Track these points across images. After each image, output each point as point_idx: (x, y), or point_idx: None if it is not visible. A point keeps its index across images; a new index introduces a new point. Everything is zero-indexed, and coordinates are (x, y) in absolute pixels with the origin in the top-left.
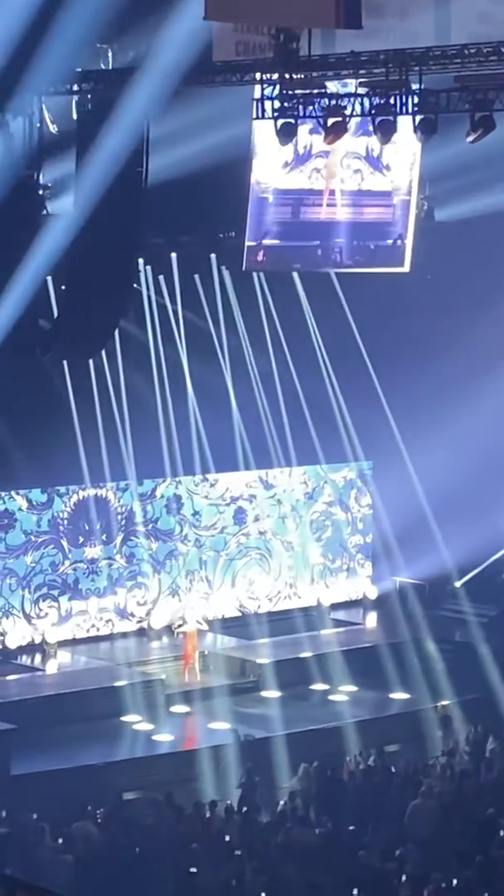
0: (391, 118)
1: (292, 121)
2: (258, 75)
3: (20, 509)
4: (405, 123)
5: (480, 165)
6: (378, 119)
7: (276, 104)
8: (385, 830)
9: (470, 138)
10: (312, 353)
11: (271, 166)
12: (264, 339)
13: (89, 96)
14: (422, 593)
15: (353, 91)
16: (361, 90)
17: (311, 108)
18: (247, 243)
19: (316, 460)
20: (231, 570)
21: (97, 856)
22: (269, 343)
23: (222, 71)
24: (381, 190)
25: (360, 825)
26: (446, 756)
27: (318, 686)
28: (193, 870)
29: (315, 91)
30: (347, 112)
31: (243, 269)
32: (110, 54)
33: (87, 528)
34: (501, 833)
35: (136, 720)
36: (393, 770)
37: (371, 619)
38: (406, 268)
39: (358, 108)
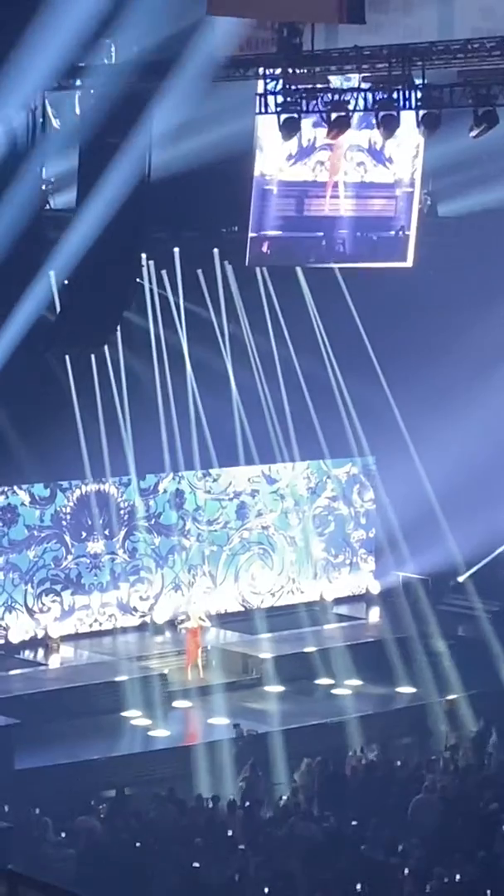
0: (394, 113)
1: (295, 116)
2: (261, 70)
3: (23, 504)
4: (408, 117)
5: (483, 160)
6: (381, 114)
7: (280, 99)
8: (388, 825)
9: (473, 133)
10: (316, 349)
11: (275, 159)
12: (267, 333)
13: (92, 91)
14: (425, 588)
15: (356, 86)
16: (364, 85)
17: (314, 102)
18: (250, 234)
19: (319, 455)
20: (234, 565)
21: (100, 850)
22: (272, 338)
23: (226, 66)
24: (383, 182)
25: (363, 820)
26: (449, 751)
27: (321, 681)
28: (196, 864)
29: (318, 86)
30: (350, 107)
31: (246, 264)
32: (113, 49)
33: (89, 522)
34: None
35: (138, 715)
36: (396, 764)
37: (374, 614)
38: (409, 263)
39: (361, 103)
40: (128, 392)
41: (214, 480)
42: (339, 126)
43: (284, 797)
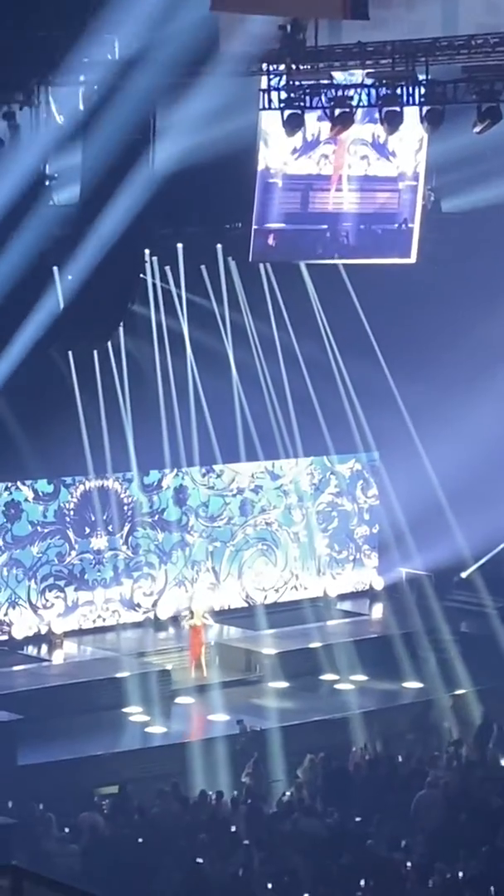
0: (398, 109)
1: (299, 111)
2: (265, 66)
3: (26, 500)
4: (411, 112)
5: (487, 156)
6: (385, 110)
7: (283, 95)
8: (391, 821)
9: (477, 129)
10: (320, 344)
11: (280, 152)
12: (271, 329)
13: (96, 87)
14: (428, 584)
15: (359, 82)
16: (368, 81)
17: (317, 98)
18: (254, 227)
19: (323, 451)
20: (237, 561)
21: (104, 846)
22: (275, 333)
23: (229, 61)
24: (387, 175)
25: (367, 816)
26: (453, 746)
27: (325, 677)
28: (200, 860)
29: (322, 82)
30: (354, 103)
31: (250, 259)
32: (117, 45)
33: (93, 518)
34: None
35: (142, 711)
36: (399, 760)
37: (377, 610)
38: (413, 258)
39: (364, 99)
40: (131, 388)
41: (218, 476)
42: (342, 122)
43: (288, 793)
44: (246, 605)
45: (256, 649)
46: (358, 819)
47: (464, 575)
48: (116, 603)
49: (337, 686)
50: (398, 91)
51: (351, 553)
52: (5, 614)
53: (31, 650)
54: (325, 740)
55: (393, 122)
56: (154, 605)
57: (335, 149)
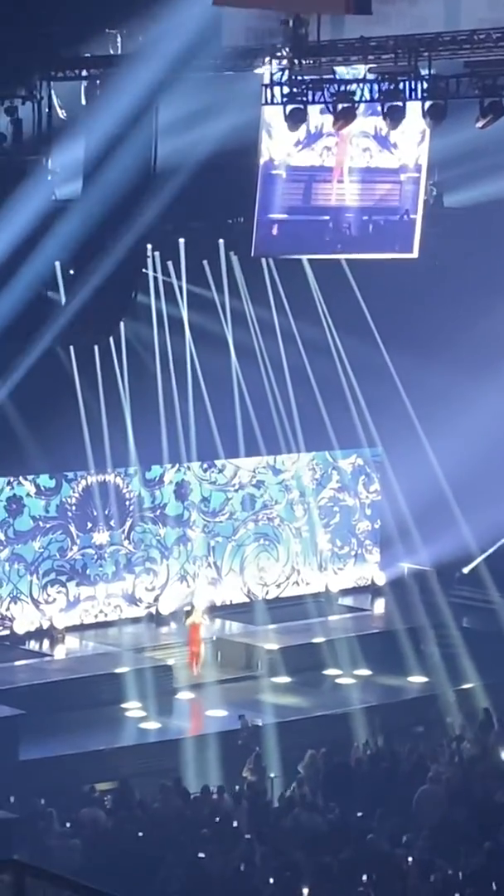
0: (400, 104)
1: (301, 106)
2: (267, 61)
3: (28, 495)
4: (413, 106)
5: (490, 151)
6: (387, 105)
7: (286, 89)
8: (392, 816)
9: (479, 124)
10: (323, 340)
11: (284, 144)
12: (273, 324)
13: (98, 82)
14: (430, 579)
15: (362, 76)
16: (370, 76)
17: (319, 93)
18: (256, 218)
19: (324, 446)
20: (239, 556)
21: (105, 841)
22: (277, 329)
23: (232, 56)
24: (388, 167)
25: (368, 811)
26: (455, 741)
27: (327, 672)
28: (202, 855)
29: (324, 76)
30: (356, 97)
31: (252, 254)
32: (119, 40)
33: (94, 513)
34: None
35: (143, 706)
36: (401, 755)
37: (379, 605)
38: (415, 253)
39: (367, 94)
40: (132, 383)
41: (220, 471)
42: (344, 117)
43: (290, 789)
44: (247, 600)
45: (258, 644)
46: (359, 814)
47: (466, 570)
48: (118, 598)
49: (338, 681)
50: (400, 86)
51: (352, 548)
52: (7, 609)
53: (32, 645)
54: (327, 735)
55: (395, 116)
56: (156, 600)
57: (337, 141)
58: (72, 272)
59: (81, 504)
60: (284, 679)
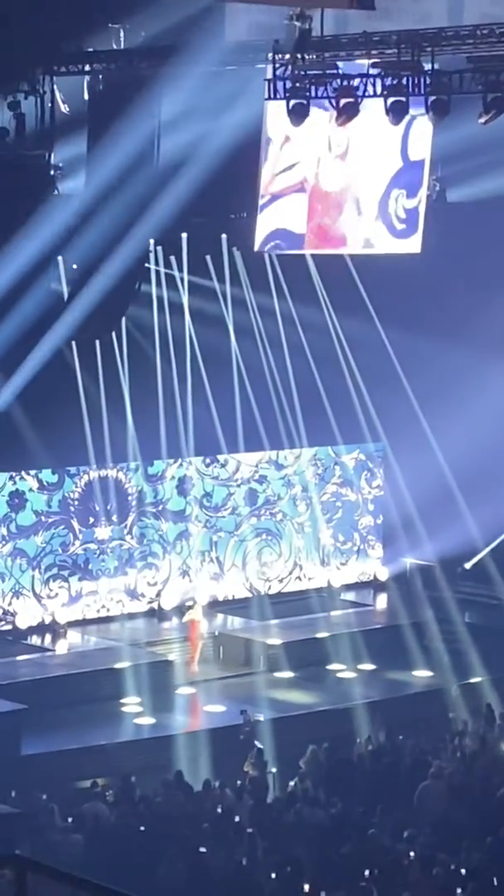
0: (403, 99)
1: (304, 101)
2: (271, 55)
3: (31, 489)
4: (416, 100)
5: (493, 146)
6: (390, 100)
7: (289, 84)
8: (394, 811)
9: (482, 119)
10: (326, 334)
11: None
12: (276, 318)
13: (101, 76)
14: (432, 575)
15: (365, 72)
16: (374, 71)
17: (323, 88)
18: (259, 213)
19: (327, 441)
20: (241, 551)
21: (107, 835)
22: (280, 323)
23: (234, 51)
24: None
25: (370, 806)
26: (457, 737)
27: (329, 667)
28: (203, 849)
29: (327, 72)
30: (359, 93)
31: (255, 248)
32: (122, 34)
33: (97, 508)
34: None
35: (145, 701)
36: (403, 751)
37: (381, 601)
38: (418, 248)
39: (370, 89)
40: (134, 378)
41: (222, 466)
42: (347, 112)
43: (291, 783)
44: (249, 595)
45: (260, 639)
46: (361, 809)
47: (468, 565)
48: (120, 593)
49: (340, 676)
50: (404, 81)
51: (355, 543)
52: (9, 604)
53: (34, 640)
54: (329, 731)
55: (398, 112)
56: (158, 595)
57: None
58: (74, 267)
59: (84, 499)
60: (287, 674)
